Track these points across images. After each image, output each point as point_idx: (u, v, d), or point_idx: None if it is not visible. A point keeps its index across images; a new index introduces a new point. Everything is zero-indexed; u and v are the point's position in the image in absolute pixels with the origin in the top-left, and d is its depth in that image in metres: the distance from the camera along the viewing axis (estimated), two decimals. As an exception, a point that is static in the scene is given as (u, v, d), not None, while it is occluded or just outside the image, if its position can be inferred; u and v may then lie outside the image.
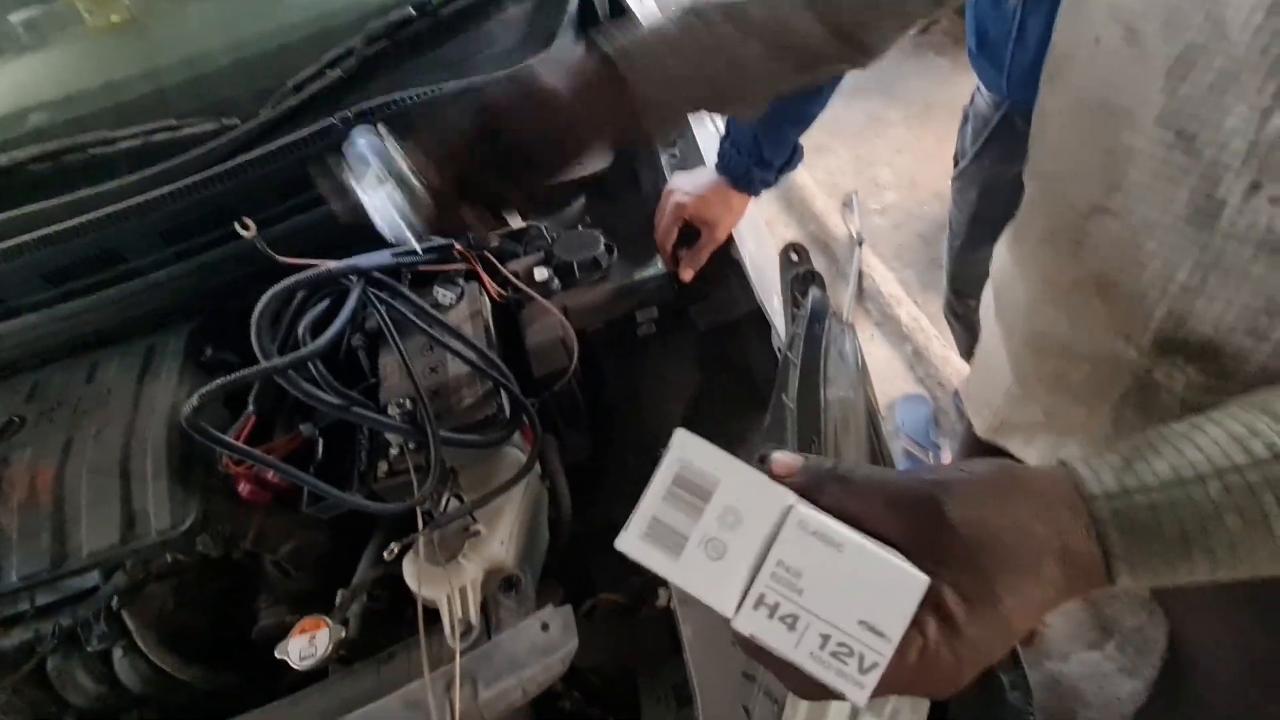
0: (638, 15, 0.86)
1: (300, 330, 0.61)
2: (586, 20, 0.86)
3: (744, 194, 0.77)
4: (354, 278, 0.64)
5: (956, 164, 1.03)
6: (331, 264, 0.63)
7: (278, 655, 0.62)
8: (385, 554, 0.61)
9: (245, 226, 0.58)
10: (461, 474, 0.71)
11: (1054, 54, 0.47)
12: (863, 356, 0.60)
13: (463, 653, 0.58)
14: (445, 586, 0.63)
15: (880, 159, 2.32)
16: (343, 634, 0.63)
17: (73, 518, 0.65)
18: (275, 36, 0.86)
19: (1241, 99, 0.34)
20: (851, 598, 0.27)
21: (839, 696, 0.28)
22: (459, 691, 0.55)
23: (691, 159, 0.85)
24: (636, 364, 0.89)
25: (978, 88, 0.94)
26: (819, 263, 2.15)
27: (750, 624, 0.28)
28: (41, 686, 0.70)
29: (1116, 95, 0.41)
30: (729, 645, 0.56)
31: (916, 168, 2.24)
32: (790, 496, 0.29)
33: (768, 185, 0.77)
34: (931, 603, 0.28)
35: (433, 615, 0.64)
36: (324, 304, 0.66)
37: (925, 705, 0.60)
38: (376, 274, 0.66)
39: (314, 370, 0.59)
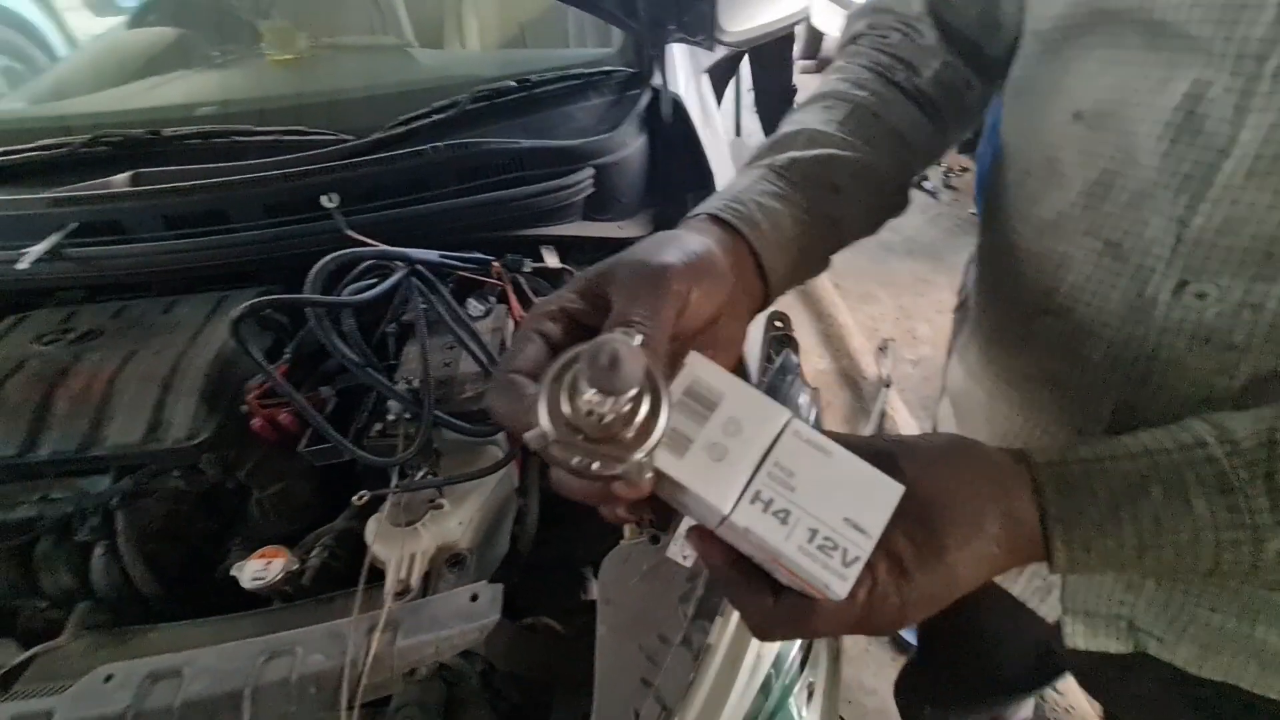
0: (696, 118, 1.01)
1: (344, 293, 0.72)
2: (652, 116, 1.02)
3: None
4: (401, 263, 0.75)
5: (959, 296, 1.10)
6: (387, 248, 0.74)
7: (232, 572, 0.66)
8: (355, 499, 0.67)
9: (330, 199, 0.71)
10: (444, 459, 0.78)
11: (991, 191, 0.55)
12: (819, 418, 0.65)
13: (392, 605, 0.61)
14: (397, 548, 0.67)
15: (921, 315, 2.41)
16: (296, 566, 0.67)
17: (110, 414, 0.74)
18: (401, 86, 1.05)
19: (1157, 211, 0.39)
20: (838, 498, 0.30)
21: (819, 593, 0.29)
22: (379, 635, 0.58)
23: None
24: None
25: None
26: (845, 398, 2.18)
27: (747, 517, 0.30)
28: (22, 566, 0.76)
29: (1046, 213, 0.47)
30: (635, 651, 0.58)
31: (957, 330, 2.32)
32: (787, 413, 0.32)
33: None
34: (884, 547, 0.30)
35: (380, 576, 0.68)
36: (372, 282, 0.77)
37: None
38: (421, 267, 0.77)
39: (344, 325, 0.69)
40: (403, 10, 1.49)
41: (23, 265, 0.80)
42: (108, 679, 0.57)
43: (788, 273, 0.42)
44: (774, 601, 0.32)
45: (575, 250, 0.98)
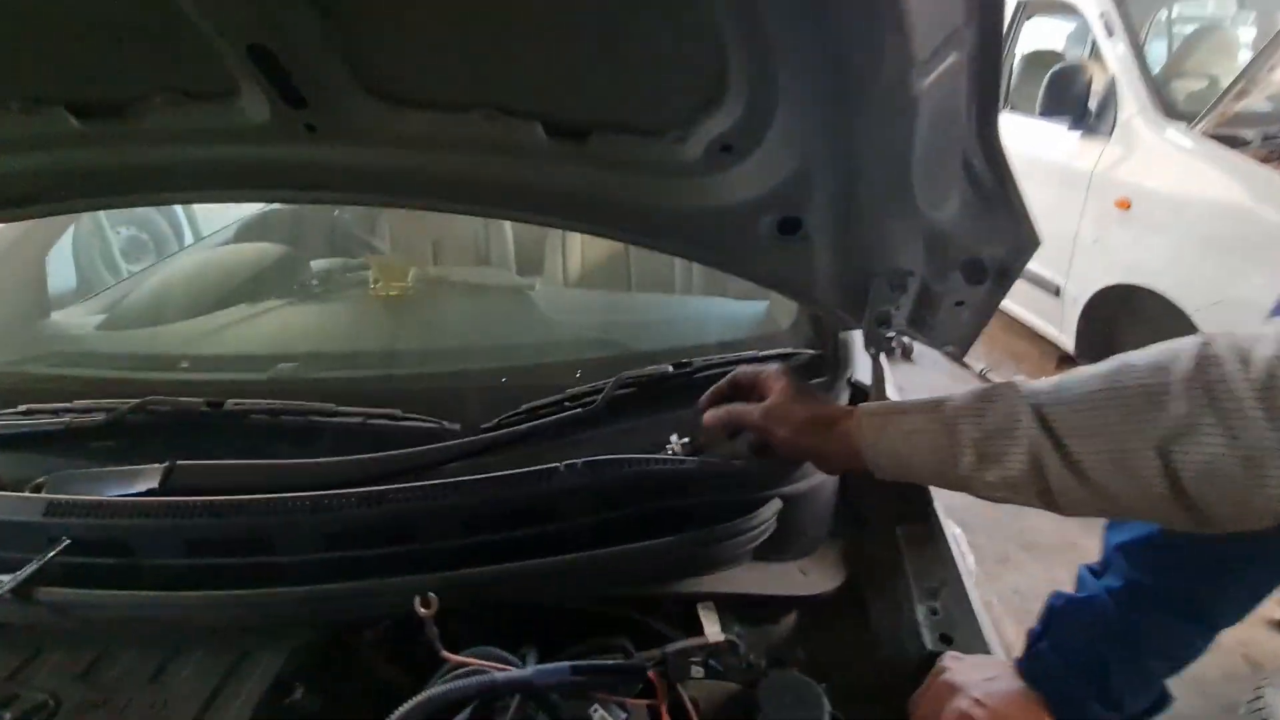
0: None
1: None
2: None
3: None
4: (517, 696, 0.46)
5: None
6: (498, 671, 0.46)
7: None
8: None
9: (426, 605, 0.45)
10: None
11: None
12: None
13: None
14: None
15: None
16: None
17: None
18: (527, 353, 0.85)
19: None
20: None
21: None
22: None
23: (961, 620, 0.65)
24: None
25: None
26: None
27: None
28: None
29: None
30: None
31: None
32: None
33: None
34: None
35: None
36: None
37: None
38: (541, 690, 0.49)
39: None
40: (510, 240, 1.38)
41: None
42: None
43: None
44: None
45: (737, 607, 0.69)
